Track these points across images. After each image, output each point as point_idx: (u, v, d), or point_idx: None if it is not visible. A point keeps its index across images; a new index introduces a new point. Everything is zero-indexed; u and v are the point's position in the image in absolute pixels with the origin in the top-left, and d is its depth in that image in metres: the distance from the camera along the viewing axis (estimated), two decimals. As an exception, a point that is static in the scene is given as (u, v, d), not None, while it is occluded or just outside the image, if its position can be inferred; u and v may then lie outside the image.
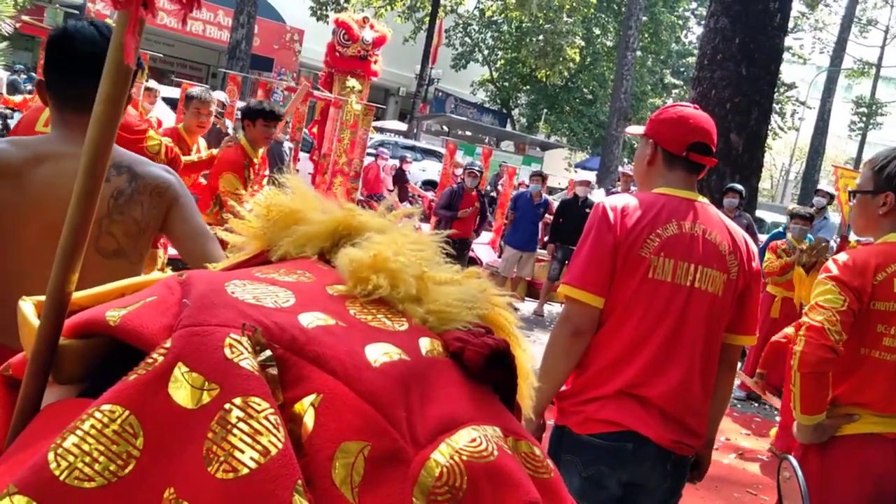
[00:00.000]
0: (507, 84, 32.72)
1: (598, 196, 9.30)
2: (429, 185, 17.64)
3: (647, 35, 29.27)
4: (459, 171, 10.95)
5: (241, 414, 0.63)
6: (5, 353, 0.99)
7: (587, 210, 7.60)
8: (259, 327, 0.70)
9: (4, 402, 0.87)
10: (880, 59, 33.68)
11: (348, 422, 0.67)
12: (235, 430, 0.63)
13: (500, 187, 13.29)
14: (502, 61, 32.26)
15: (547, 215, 9.87)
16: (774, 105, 16.59)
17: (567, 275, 2.22)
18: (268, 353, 0.68)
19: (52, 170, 1.69)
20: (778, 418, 5.98)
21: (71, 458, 0.63)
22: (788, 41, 17.98)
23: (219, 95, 9.10)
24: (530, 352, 0.93)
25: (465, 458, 0.70)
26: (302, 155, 10.61)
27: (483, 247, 10.93)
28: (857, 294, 2.26)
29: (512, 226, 9.77)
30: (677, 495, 2.28)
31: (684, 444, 2.15)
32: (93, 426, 0.64)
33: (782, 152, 43.99)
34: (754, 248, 2.30)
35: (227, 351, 0.67)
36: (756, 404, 6.88)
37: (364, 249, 0.87)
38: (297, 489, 0.61)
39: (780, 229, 8.09)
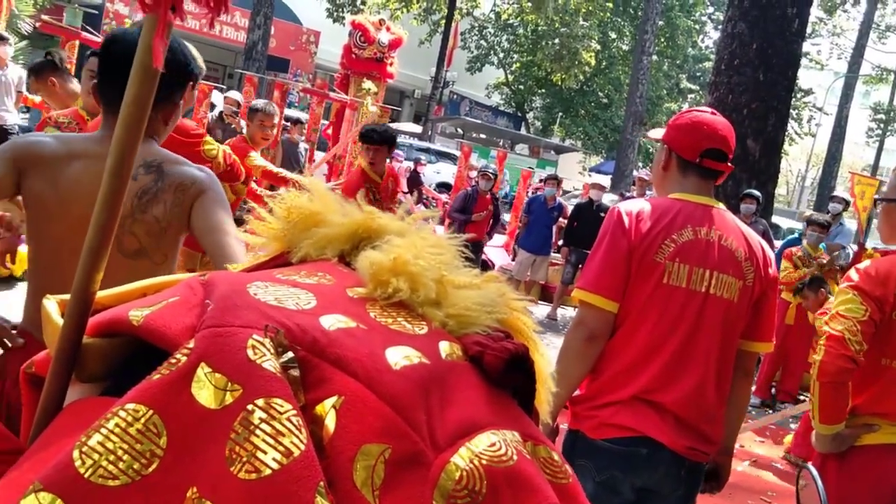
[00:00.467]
0: (522, 87, 32.72)
1: (607, 200, 9.25)
2: (443, 187, 17.67)
3: (663, 39, 29.17)
4: (474, 174, 10.95)
5: (264, 415, 0.64)
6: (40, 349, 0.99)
7: (602, 214, 7.56)
8: (281, 329, 0.70)
9: (28, 400, 0.88)
10: (899, 65, 33.40)
11: (369, 424, 0.67)
12: (258, 431, 0.63)
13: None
14: (517, 64, 32.27)
15: (561, 219, 9.84)
16: (791, 111, 16.46)
17: (581, 279, 2.21)
18: (290, 354, 0.69)
19: (82, 167, 1.72)
20: (793, 426, 5.94)
21: (96, 456, 0.63)
22: (806, 47, 17.85)
23: (234, 96, 9.17)
24: (548, 356, 0.93)
25: (484, 462, 0.70)
26: (318, 154, 10.64)
27: (496, 250, 10.91)
28: (878, 304, 2.23)
29: (526, 229, 9.76)
30: (691, 502, 2.26)
31: (699, 450, 2.13)
32: (117, 425, 0.65)
33: (799, 158, 43.62)
34: (771, 255, 2.28)
35: (249, 352, 0.67)
36: (770, 411, 6.83)
37: (384, 252, 0.87)
38: (320, 490, 0.61)
39: (796, 235, 8.02)
